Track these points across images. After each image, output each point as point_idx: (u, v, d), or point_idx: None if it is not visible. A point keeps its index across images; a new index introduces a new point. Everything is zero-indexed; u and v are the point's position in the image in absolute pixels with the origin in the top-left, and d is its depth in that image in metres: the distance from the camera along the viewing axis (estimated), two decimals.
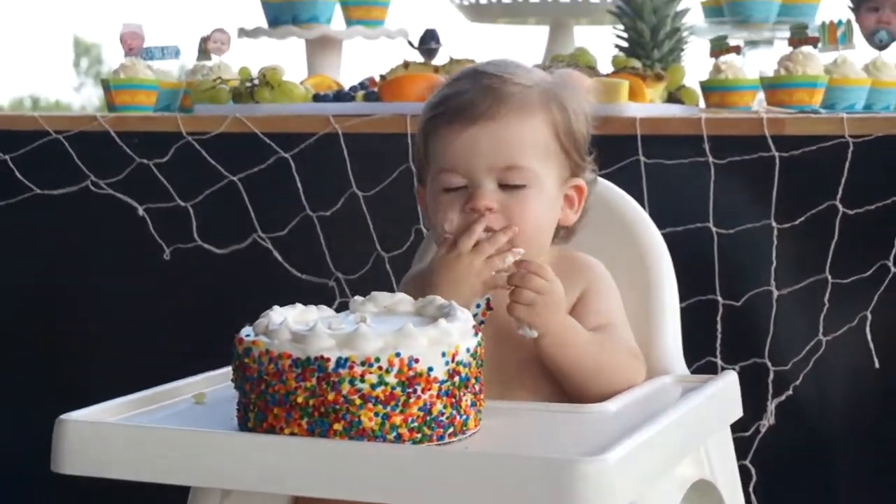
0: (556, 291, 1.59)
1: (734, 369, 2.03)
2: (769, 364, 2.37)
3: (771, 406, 2.37)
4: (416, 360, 1.35)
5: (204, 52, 2.98)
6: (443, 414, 1.38)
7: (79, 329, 2.77)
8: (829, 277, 2.33)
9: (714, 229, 2.37)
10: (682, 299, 1.87)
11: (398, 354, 1.35)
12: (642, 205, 1.98)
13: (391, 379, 1.34)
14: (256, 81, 2.71)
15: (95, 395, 1.63)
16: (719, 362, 2.37)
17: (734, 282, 2.39)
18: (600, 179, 1.87)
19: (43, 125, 2.73)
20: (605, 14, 3.02)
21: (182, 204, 2.66)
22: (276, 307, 1.47)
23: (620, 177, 2.13)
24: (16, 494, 2.83)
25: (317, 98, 2.69)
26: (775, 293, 2.36)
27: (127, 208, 2.69)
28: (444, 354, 1.37)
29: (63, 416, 1.45)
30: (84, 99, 17.32)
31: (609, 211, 1.89)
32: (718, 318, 2.39)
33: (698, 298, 2.35)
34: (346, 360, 1.34)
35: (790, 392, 2.37)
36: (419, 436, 1.37)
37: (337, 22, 3.24)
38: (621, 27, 2.80)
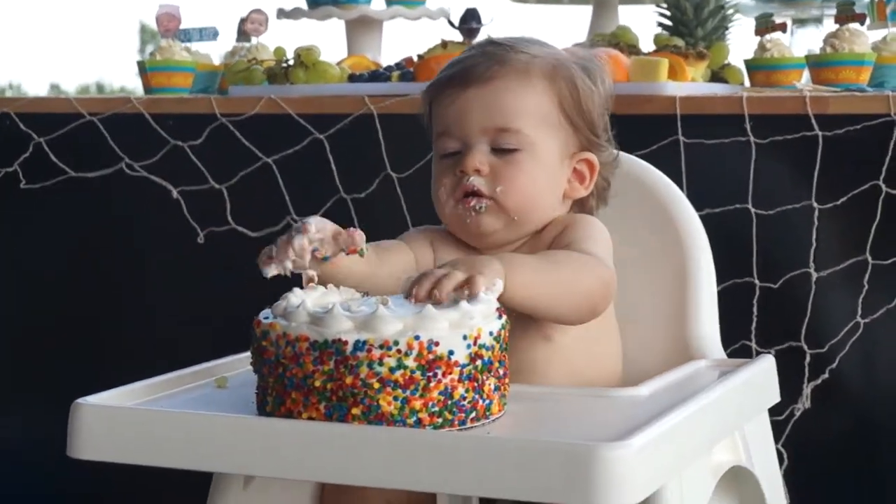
0: (459, 269, 1.41)
1: (769, 353, 2.00)
2: (805, 347, 2.33)
3: (806, 390, 2.33)
4: (436, 344, 1.32)
5: (243, 34, 2.96)
6: (464, 398, 1.34)
7: (112, 311, 2.75)
8: (870, 259, 2.28)
9: (753, 210, 2.33)
10: (718, 282, 1.83)
11: (417, 337, 1.31)
12: (681, 185, 1.94)
13: (410, 362, 1.31)
14: (291, 62, 2.67)
15: (126, 379, 1.61)
16: (754, 346, 2.33)
17: (772, 264, 2.35)
18: (636, 159, 1.83)
19: (77, 107, 2.71)
20: None
21: (216, 186, 2.64)
22: (295, 289, 1.44)
23: (660, 156, 2.09)
24: (48, 482, 2.82)
25: (352, 78, 2.65)
26: (814, 275, 2.31)
27: (161, 191, 2.67)
28: (465, 337, 1.34)
29: (79, 400, 1.42)
30: None
31: (644, 191, 1.85)
32: (755, 301, 2.34)
33: (734, 281, 2.31)
34: (364, 342, 1.31)
35: (826, 375, 2.33)
36: (440, 420, 1.33)
37: (377, 2, 3.21)
38: (664, 5, 2.76)
